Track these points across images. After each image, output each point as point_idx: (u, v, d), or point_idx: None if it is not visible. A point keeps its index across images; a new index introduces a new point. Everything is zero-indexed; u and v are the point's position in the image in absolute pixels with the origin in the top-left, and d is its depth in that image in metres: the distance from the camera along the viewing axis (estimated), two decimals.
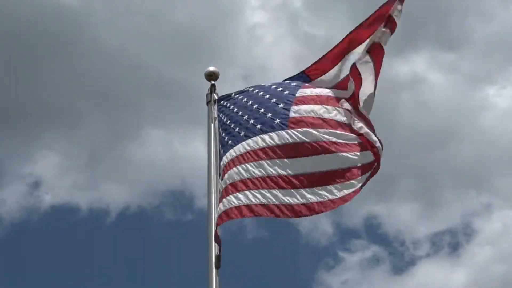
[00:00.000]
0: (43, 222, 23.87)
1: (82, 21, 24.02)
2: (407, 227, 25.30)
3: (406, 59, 26.32)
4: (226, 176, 7.34)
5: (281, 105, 7.83)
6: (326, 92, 8.00)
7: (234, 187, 7.18)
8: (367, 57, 7.78)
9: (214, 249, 6.96)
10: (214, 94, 8.40)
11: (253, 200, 7.07)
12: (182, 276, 20.27)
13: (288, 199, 7.09)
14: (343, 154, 7.33)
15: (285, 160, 7.32)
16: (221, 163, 7.55)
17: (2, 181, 24.57)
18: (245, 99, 8.18)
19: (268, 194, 7.11)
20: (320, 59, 8.39)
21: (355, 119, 7.53)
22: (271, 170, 7.27)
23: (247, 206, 7.03)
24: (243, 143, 7.56)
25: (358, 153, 7.37)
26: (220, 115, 8.17)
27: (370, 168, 7.39)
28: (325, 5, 25.91)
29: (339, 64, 8.18)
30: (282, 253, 23.14)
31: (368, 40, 7.91)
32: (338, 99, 7.84)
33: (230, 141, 7.68)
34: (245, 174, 7.28)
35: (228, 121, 7.97)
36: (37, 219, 23.87)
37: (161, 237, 23.84)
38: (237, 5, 26.21)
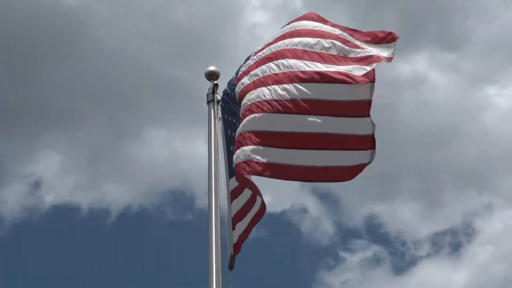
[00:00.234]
0: (44, 222, 23.90)
1: (83, 21, 24.05)
2: (408, 227, 25.33)
3: (407, 59, 26.31)
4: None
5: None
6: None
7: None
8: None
9: (214, 249, 6.94)
10: (217, 94, 8.30)
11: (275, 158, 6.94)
12: (183, 276, 20.27)
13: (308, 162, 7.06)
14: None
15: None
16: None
17: (3, 181, 24.60)
18: None
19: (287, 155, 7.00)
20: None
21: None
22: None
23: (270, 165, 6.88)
24: None
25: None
26: (225, 116, 8.08)
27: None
28: (326, 5, 25.88)
29: None
30: (282, 253, 23.15)
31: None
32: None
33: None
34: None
35: (234, 120, 7.89)
36: (38, 219, 23.90)
37: (162, 237, 23.87)
38: (238, 5, 26.23)
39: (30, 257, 22.48)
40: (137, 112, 25.37)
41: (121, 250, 22.89)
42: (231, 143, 7.72)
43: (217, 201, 7.30)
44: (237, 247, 7.36)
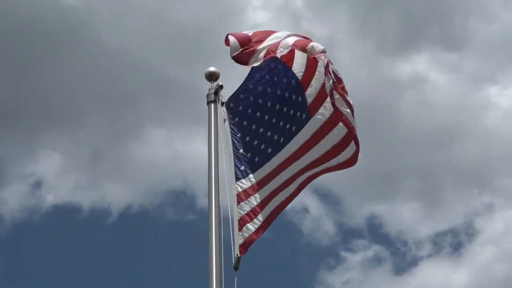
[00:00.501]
0: (44, 222, 23.91)
1: (84, 20, 24.03)
2: (409, 227, 25.33)
3: (408, 59, 26.35)
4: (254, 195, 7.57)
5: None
6: None
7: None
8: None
9: (214, 249, 6.92)
10: (221, 96, 8.20)
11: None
12: (183, 276, 20.26)
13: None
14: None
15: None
16: (245, 175, 7.65)
17: (3, 181, 24.60)
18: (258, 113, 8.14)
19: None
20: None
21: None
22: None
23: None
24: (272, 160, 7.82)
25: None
26: (236, 119, 8.08)
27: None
28: (327, 5, 25.93)
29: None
30: (283, 253, 23.13)
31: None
32: None
33: (256, 158, 7.77)
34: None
35: (254, 125, 8.02)
36: (38, 219, 23.91)
37: (163, 237, 23.87)
38: (239, 4, 26.22)
39: (30, 257, 22.49)
40: (138, 112, 25.38)
41: (122, 250, 22.91)
42: (241, 145, 7.82)
43: (218, 201, 7.28)
44: (244, 248, 7.30)
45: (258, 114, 8.00)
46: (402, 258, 24.77)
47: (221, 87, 8.18)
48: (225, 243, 7.14)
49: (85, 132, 25.27)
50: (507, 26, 27.07)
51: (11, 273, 22.03)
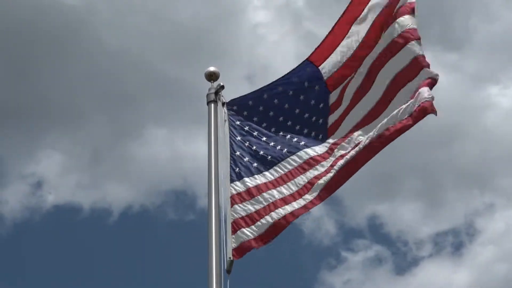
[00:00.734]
0: (45, 221, 23.91)
1: (84, 20, 24.02)
2: (410, 227, 25.32)
3: None
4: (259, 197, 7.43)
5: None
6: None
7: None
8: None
9: (214, 249, 6.92)
10: (222, 96, 8.18)
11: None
12: (184, 276, 20.26)
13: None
14: None
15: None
16: (239, 178, 7.58)
17: (4, 180, 24.60)
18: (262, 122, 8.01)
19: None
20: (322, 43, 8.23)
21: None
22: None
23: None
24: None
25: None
26: (237, 122, 8.04)
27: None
28: (328, 4, 25.86)
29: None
30: (284, 253, 23.11)
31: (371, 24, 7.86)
32: None
33: (255, 164, 7.66)
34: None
35: (256, 133, 7.90)
36: (39, 219, 23.91)
37: (163, 236, 23.87)
38: (240, 4, 26.20)
39: (31, 257, 22.50)
40: (138, 112, 25.38)
41: (123, 249, 22.91)
42: (239, 148, 7.78)
43: (218, 201, 7.27)
44: (238, 252, 7.21)
45: (264, 124, 7.94)
46: (403, 258, 24.77)
47: (222, 87, 8.16)
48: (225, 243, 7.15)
49: (86, 132, 25.29)
50: (508, 26, 27.06)
51: (11, 273, 22.05)
